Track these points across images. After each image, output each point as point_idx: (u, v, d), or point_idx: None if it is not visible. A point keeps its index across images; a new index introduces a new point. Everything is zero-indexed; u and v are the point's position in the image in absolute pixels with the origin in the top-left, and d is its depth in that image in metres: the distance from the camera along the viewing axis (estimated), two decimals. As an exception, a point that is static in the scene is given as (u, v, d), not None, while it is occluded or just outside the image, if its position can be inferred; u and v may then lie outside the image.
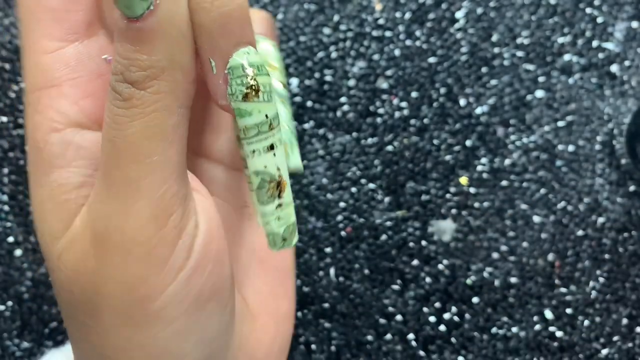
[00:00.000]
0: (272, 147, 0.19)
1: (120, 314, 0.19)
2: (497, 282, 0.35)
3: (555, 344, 0.35)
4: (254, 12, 0.24)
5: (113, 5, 0.18)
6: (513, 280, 0.35)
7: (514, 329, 0.35)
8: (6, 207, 0.35)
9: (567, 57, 0.36)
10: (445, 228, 0.35)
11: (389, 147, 0.35)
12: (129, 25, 0.18)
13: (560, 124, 0.36)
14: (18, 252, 0.35)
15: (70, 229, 0.20)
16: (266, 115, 0.19)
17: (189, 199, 0.20)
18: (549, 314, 0.35)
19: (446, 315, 0.35)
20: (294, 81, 0.36)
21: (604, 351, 0.35)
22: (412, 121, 0.36)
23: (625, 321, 0.35)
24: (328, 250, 0.35)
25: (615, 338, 0.35)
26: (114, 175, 0.18)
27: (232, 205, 0.24)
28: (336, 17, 0.36)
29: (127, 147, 0.18)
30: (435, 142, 0.35)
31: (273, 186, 0.20)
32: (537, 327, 0.35)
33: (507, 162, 0.35)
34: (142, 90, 0.18)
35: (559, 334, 0.35)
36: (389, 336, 0.35)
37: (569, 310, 0.35)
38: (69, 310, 0.20)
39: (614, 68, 0.36)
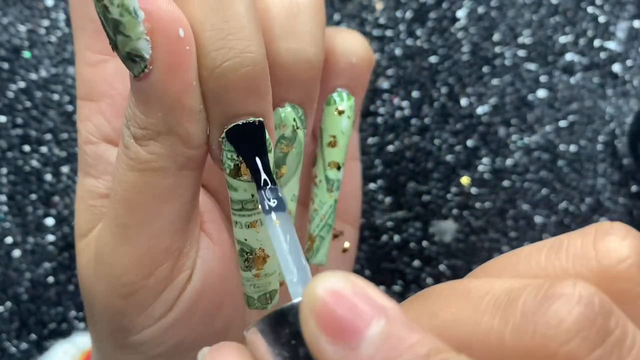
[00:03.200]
0: (255, 223, 0.19)
1: (105, 329, 0.20)
2: (498, 283, 0.35)
3: (557, 345, 0.35)
4: (350, 37, 0.22)
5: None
6: (514, 281, 0.35)
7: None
8: (5, 208, 0.35)
9: (568, 56, 0.36)
10: (446, 229, 0.35)
11: (390, 147, 0.35)
12: (132, 80, 0.17)
13: (562, 123, 0.36)
14: (17, 253, 0.35)
15: (92, 232, 0.20)
16: (252, 195, 0.18)
17: (186, 254, 0.20)
18: (550, 315, 0.35)
19: (447, 316, 0.35)
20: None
21: (606, 352, 0.35)
22: (413, 121, 0.35)
23: (627, 322, 0.35)
24: (328, 250, 0.35)
25: (617, 339, 0.35)
26: (112, 213, 0.19)
27: None
28: (337, 16, 0.36)
29: (121, 194, 0.18)
30: (437, 142, 0.35)
31: (252, 258, 0.19)
32: (539, 328, 0.35)
33: (509, 162, 0.35)
34: (139, 147, 0.18)
35: (560, 335, 0.35)
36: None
37: (570, 311, 0.35)
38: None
39: (616, 68, 0.36)
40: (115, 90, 0.21)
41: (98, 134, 0.21)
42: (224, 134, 0.18)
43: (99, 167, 0.21)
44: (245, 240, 0.19)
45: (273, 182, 0.18)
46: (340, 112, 0.22)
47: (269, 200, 0.18)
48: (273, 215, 0.17)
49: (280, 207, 0.18)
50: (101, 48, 0.20)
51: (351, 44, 0.22)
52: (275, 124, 0.19)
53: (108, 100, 0.21)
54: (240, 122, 0.18)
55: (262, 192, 0.18)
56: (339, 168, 0.22)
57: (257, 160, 0.18)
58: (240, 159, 0.18)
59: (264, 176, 0.18)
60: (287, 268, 0.17)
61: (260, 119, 0.18)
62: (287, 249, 0.17)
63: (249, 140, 0.18)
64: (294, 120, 0.20)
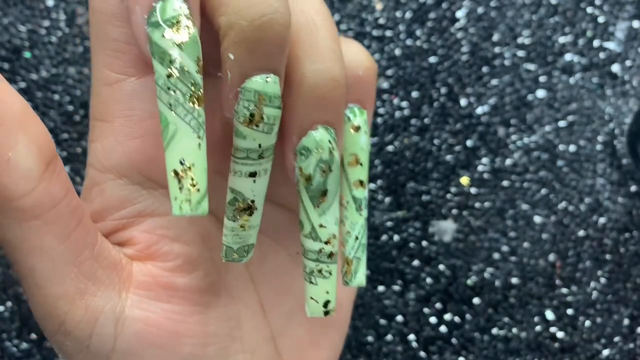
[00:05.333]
0: (255, 174, 0.19)
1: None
2: (497, 283, 0.35)
3: (556, 344, 0.35)
4: (352, 49, 0.22)
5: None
6: (514, 280, 0.35)
7: (515, 330, 0.35)
8: (5, 208, 0.35)
9: (568, 56, 0.36)
10: (446, 228, 0.35)
11: (390, 147, 0.35)
12: None
13: (561, 124, 0.36)
14: (17, 253, 0.35)
15: None
16: (259, 145, 0.19)
17: (93, 293, 0.20)
18: (550, 315, 0.35)
19: (447, 316, 0.35)
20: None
21: (605, 352, 0.35)
22: (413, 121, 0.36)
23: (626, 322, 0.35)
24: (328, 250, 0.35)
25: (617, 339, 0.35)
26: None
27: (287, 250, 0.24)
28: (336, 17, 0.36)
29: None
30: (436, 142, 0.35)
31: (243, 207, 0.20)
32: (538, 327, 0.35)
33: (508, 162, 0.35)
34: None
35: (560, 334, 0.35)
36: (389, 337, 0.35)
37: (570, 311, 0.35)
38: None
39: (615, 68, 0.36)
40: (132, 111, 0.20)
41: (104, 160, 0.20)
42: (244, 84, 0.18)
43: (93, 193, 0.21)
44: (241, 189, 0.19)
45: None
46: (357, 129, 0.22)
47: None
48: None
49: None
50: (120, 67, 0.20)
51: (354, 56, 0.22)
52: (312, 148, 0.20)
53: (123, 121, 0.20)
54: None
55: None
56: (364, 185, 0.22)
57: None
58: (258, 110, 0.18)
59: None
60: None
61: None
62: None
63: None
64: (329, 142, 0.20)
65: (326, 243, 0.20)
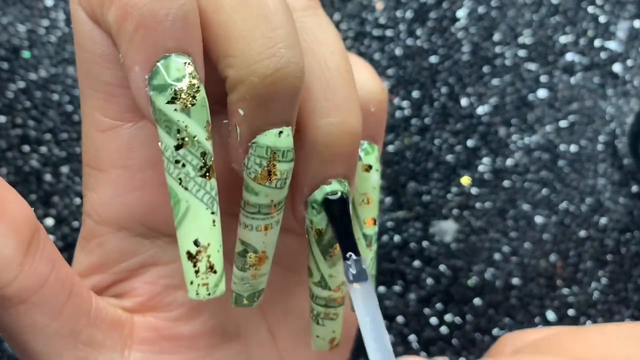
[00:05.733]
0: (266, 227, 0.18)
1: None
2: (498, 283, 0.35)
3: (558, 345, 0.35)
4: (362, 77, 0.20)
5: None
6: (515, 281, 0.35)
7: (516, 330, 0.35)
8: (4, 208, 0.35)
9: (569, 56, 0.36)
10: (446, 229, 0.35)
11: (390, 147, 0.35)
12: None
13: (563, 123, 0.36)
14: (16, 253, 0.35)
15: None
16: (271, 200, 0.18)
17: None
18: (551, 315, 0.35)
19: (447, 317, 0.35)
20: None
21: (607, 353, 0.35)
22: (413, 121, 0.35)
23: (627, 322, 0.35)
24: (328, 251, 0.35)
25: (618, 339, 0.35)
26: None
27: (289, 271, 0.23)
28: (337, 16, 0.36)
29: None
30: (437, 142, 0.35)
31: (253, 258, 0.19)
32: (539, 328, 0.35)
33: (509, 162, 0.35)
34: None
35: (561, 335, 0.35)
36: (390, 337, 0.35)
37: (571, 312, 0.35)
38: None
39: (617, 68, 0.36)
40: (130, 160, 0.19)
41: (102, 212, 0.19)
42: (255, 140, 0.17)
43: (91, 245, 0.20)
44: (252, 242, 0.19)
45: (358, 253, 0.18)
46: (369, 168, 0.21)
47: (353, 270, 0.18)
48: (356, 284, 0.18)
49: (364, 277, 0.18)
50: (114, 112, 0.18)
51: (366, 87, 0.20)
52: None
53: (120, 171, 0.19)
54: (331, 197, 0.18)
55: (347, 262, 0.18)
56: (375, 222, 0.21)
57: (350, 232, 0.19)
58: (270, 167, 0.17)
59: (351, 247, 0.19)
60: (367, 337, 0.17)
61: (346, 192, 0.19)
62: (368, 320, 0.18)
63: (342, 213, 0.18)
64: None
65: (335, 290, 0.20)
